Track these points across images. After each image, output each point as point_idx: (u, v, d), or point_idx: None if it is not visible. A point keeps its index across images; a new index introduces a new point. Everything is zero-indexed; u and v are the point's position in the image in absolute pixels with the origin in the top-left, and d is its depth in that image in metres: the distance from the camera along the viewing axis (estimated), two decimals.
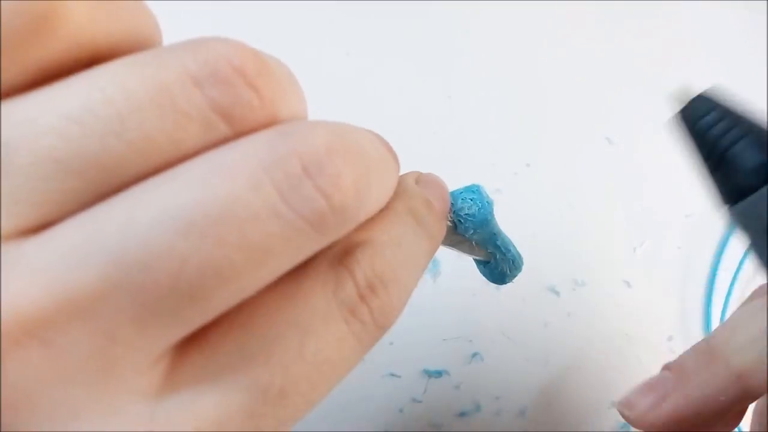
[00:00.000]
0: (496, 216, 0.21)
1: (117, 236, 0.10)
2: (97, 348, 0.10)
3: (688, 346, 0.22)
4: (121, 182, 0.11)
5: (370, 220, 0.14)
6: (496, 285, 0.24)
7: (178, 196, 0.11)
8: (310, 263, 0.13)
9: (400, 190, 0.16)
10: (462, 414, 0.34)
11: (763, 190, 0.18)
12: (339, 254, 0.14)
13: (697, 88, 0.20)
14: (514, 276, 0.23)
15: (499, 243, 0.22)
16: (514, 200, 0.39)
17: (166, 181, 0.11)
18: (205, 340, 0.12)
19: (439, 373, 0.35)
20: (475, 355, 0.35)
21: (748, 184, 0.18)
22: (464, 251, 0.22)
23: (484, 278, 0.24)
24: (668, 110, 0.20)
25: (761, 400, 0.23)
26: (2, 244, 0.10)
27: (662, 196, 0.43)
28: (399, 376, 0.34)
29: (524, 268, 0.23)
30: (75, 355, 0.10)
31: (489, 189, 0.21)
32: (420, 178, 0.17)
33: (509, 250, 0.22)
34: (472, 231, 0.20)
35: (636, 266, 0.40)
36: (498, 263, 0.22)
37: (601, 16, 0.47)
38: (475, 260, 0.23)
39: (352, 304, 0.13)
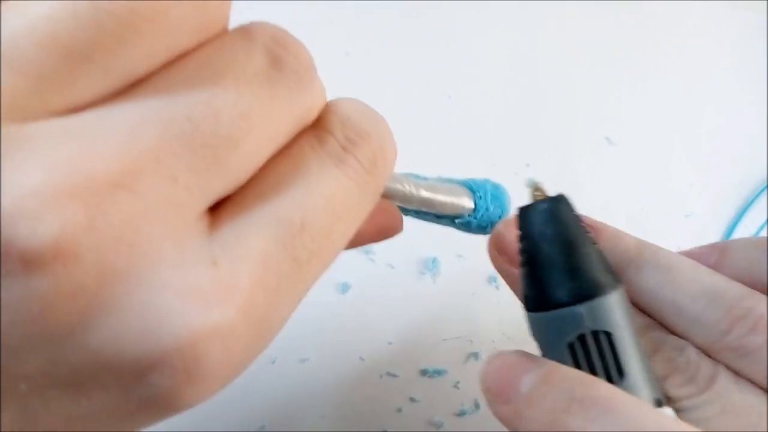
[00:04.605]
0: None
1: (166, 102, 0.12)
2: (166, 190, 0.12)
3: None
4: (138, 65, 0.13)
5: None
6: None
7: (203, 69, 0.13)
8: (294, 139, 0.16)
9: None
10: (461, 413, 0.34)
11: (564, 311, 0.18)
12: (314, 124, 0.16)
13: (548, 187, 0.21)
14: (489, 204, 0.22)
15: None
16: (514, 200, 0.39)
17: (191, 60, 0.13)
18: (231, 200, 0.14)
19: (438, 373, 0.35)
20: (474, 354, 0.35)
21: (547, 300, 0.19)
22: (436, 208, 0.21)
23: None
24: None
25: None
26: (70, 118, 0.12)
27: (662, 196, 0.43)
28: (397, 376, 0.34)
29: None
30: (153, 198, 0.12)
31: None
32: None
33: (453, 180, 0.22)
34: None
35: None
36: (477, 207, 0.22)
37: (601, 16, 0.47)
38: (456, 222, 0.22)
39: (339, 154, 0.15)
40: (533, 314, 0.20)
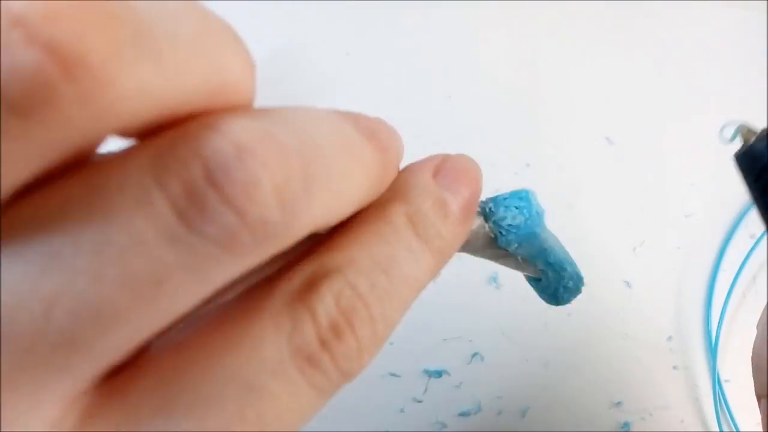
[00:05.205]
0: (549, 228, 0.18)
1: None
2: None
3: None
4: None
5: (352, 231, 0.12)
6: (547, 302, 0.20)
7: (41, 224, 0.09)
8: (266, 296, 0.11)
9: (403, 187, 0.13)
10: (463, 414, 0.34)
11: None
12: (302, 285, 0.11)
13: (755, 125, 0.20)
14: (571, 298, 0.19)
15: (551, 260, 0.19)
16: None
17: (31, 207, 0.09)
18: (131, 384, 0.10)
19: (439, 373, 0.35)
20: (475, 354, 0.35)
21: None
22: (509, 266, 0.19)
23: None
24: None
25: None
26: None
27: (662, 196, 0.43)
28: (399, 376, 0.34)
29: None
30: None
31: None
32: (442, 167, 0.13)
33: (564, 269, 0.19)
34: (516, 245, 0.17)
35: (636, 266, 0.40)
36: (551, 282, 0.19)
37: (600, 16, 0.47)
38: (525, 275, 0.20)
39: (310, 352, 0.11)
40: None
